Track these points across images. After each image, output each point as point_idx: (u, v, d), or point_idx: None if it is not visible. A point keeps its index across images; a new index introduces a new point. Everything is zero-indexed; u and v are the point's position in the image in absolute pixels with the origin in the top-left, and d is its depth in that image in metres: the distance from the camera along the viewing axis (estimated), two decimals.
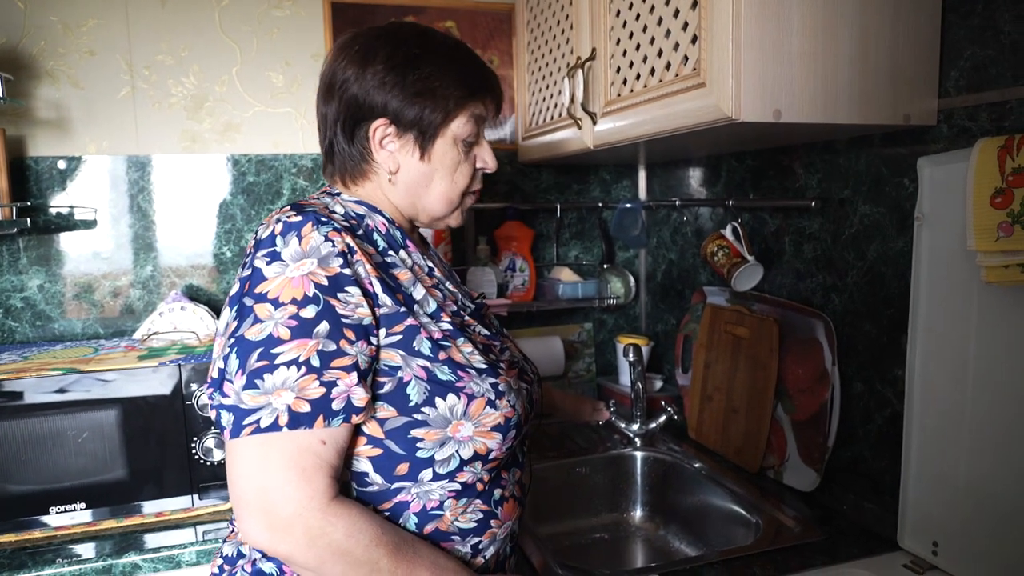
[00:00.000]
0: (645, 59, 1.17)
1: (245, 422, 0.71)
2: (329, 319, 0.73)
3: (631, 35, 1.21)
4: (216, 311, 1.61)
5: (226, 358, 0.74)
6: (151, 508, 1.26)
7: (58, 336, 1.57)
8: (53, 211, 1.54)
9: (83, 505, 1.23)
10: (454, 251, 1.78)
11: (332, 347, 0.72)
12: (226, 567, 0.85)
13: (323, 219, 0.77)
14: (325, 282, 0.74)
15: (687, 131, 1.07)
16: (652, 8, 1.14)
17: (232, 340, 0.74)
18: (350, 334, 0.74)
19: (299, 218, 0.77)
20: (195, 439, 1.27)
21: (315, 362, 0.71)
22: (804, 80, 0.97)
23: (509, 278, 1.82)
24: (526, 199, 1.87)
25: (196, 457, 1.27)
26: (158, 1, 1.57)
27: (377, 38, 0.86)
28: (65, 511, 1.22)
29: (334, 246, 0.76)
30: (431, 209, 0.90)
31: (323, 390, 0.71)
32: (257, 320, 0.73)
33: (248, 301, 0.74)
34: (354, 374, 0.73)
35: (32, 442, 1.19)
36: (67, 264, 1.57)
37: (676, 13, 1.07)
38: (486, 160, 0.92)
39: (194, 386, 1.26)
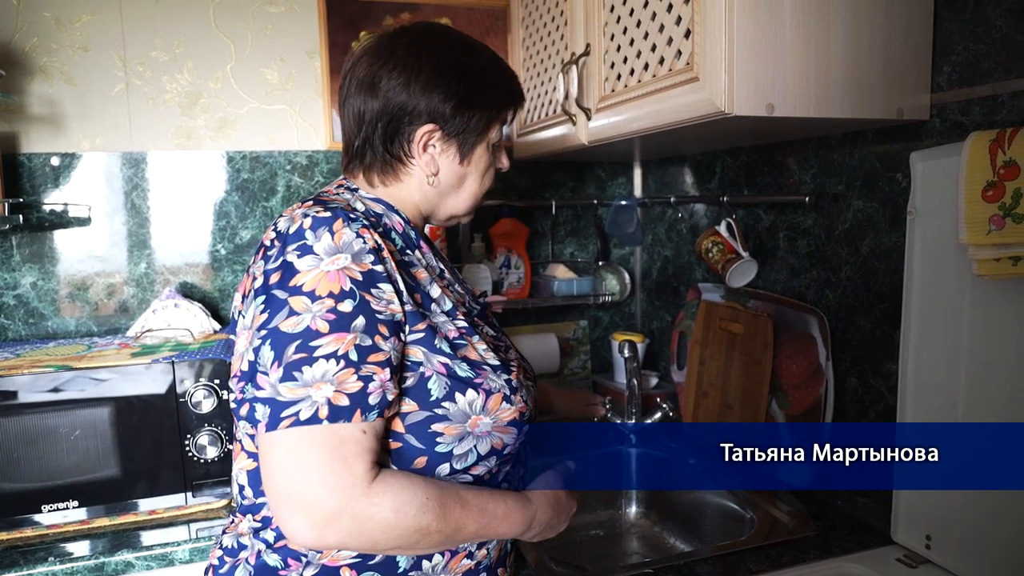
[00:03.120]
0: (639, 54, 1.17)
1: (283, 415, 0.70)
2: (365, 314, 0.73)
3: (625, 30, 1.21)
4: (211, 309, 1.60)
5: (257, 350, 0.73)
6: (144, 506, 1.26)
7: (51, 334, 1.56)
8: (46, 208, 1.53)
9: (75, 503, 1.22)
10: (450, 248, 1.78)
11: (368, 342, 0.73)
12: (227, 559, 0.84)
13: (351, 216, 0.78)
14: (360, 277, 0.74)
15: (681, 126, 1.07)
16: (646, 3, 1.14)
17: (264, 332, 0.73)
18: (384, 330, 0.74)
19: (328, 214, 0.77)
20: (188, 436, 1.27)
21: (353, 356, 0.72)
22: (797, 74, 0.97)
23: (504, 275, 1.81)
24: (521, 196, 1.87)
25: (189, 455, 1.27)
26: None
27: (423, 43, 0.88)
28: (57, 509, 1.21)
29: (365, 243, 0.76)
30: (456, 208, 0.94)
31: (360, 384, 0.72)
32: (293, 312, 0.72)
33: (280, 294, 0.74)
34: (388, 369, 0.74)
35: (24, 440, 1.19)
36: (60, 261, 1.56)
37: (669, 7, 1.07)
38: (503, 162, 0.97)
39: (188, 383, 1.26)
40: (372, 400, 0.72)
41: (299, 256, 0.74)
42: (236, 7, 1.62)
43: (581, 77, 1.37)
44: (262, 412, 0.71)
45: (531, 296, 1.83)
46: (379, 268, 0.76)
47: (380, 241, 0.78)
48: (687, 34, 1.03)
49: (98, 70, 1.55)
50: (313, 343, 0.71)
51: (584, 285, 1.85)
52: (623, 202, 1.83)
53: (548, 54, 1.56)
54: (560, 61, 1.47)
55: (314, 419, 0.70)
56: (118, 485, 1.24)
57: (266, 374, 0.72)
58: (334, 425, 0.71)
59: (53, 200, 1.54)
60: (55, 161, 1.54)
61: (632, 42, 1.19)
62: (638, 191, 1.95)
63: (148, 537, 1.21)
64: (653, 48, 1.13)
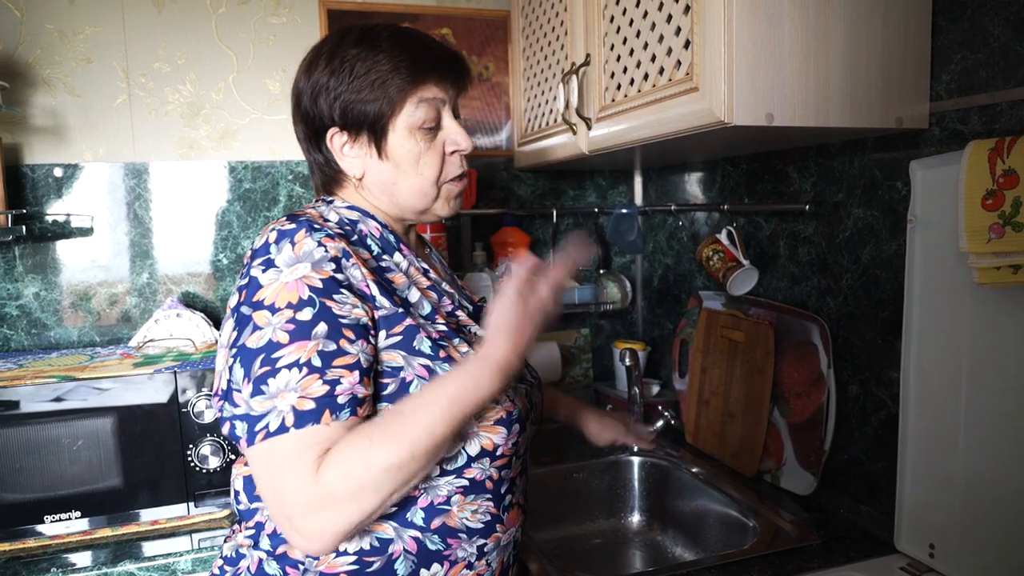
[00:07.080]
0: (639, 64, 1.18)
1: (256, 428, 0.71)
2: (327, 320, 0.73)
3: (624, 40, 1.22)
4: (213, 318, 1.61)
5: (231, 369, 0.74)
6: (146, 516, 1.26)
7: (54, 344, 1.57)
8: (49, 219, 1.54)
9: (78, 513, 1.22)
10: (450, 256, 1.78)
11: (332, 347, 0.73)
12: (227, 568, 0.85)
13: (316, 226, 0.78)
14: (320, 284, 0.75)
15: (681, 135, 1.08)
16: (645, 13, 1.15)
17: (234, 350, 0.74)
18: (349, 333, 0.74)
19: (292, 226, 0.78)
20: (191, 447, 1.27)
21: (316, 362, 0.72)
22: (796, 84, 0.97)
23: None
24: (522, 205, 1.88)
25: (192, 465, 1.27)
26: (155, 9, 1.58)
27: (321, 47, 0.87)
28: (60, 520, 1.21)
29: (327, 251, 0.77)
30: (410, 204, 0.89)
31: (327, 388, 0.72)
32: (256, 328, 0.73)
33: (246, 310, 0.75)
34: (357, 372, 0.74)
35: (27, 450, 1.19)
36: (63, 272, 1.57)
37: (669, 18, 1.08)
38: (457, 141, 0.87)
39: (190, 393, 1.26)
40: (341, 400, 0.72)
41: (263, 271, 0.76)
42: (238, 18, 1.63)
43: (581, 87, 1.37)
44: (241, 428, 0.72)
45: None
46: (340, 276, 0.76)
47: (347, 248, 0.78)
48: (686, 44, 1.03)
49: (101, 81, 1.56)
50: (275, 355, 0.72)
51: (585, 293, 1.85)
52: (624, 210, 1.83)
53: (548, 64, 1.56)
54: (560, 71, 1.48)
55: (281, 428, 0.70)
56: (120, 495, 1.24)
57: (239, 391, 0.73)
58: (302, 431, 0.70)
59: (56, 211, 1.55)
60: (58, 172, 1.54)
61: (632, 52, 1.20)
62: (639, 199, 1.95)
63: (150, 548, 1.20)
64: (653, 58, 1.13)
